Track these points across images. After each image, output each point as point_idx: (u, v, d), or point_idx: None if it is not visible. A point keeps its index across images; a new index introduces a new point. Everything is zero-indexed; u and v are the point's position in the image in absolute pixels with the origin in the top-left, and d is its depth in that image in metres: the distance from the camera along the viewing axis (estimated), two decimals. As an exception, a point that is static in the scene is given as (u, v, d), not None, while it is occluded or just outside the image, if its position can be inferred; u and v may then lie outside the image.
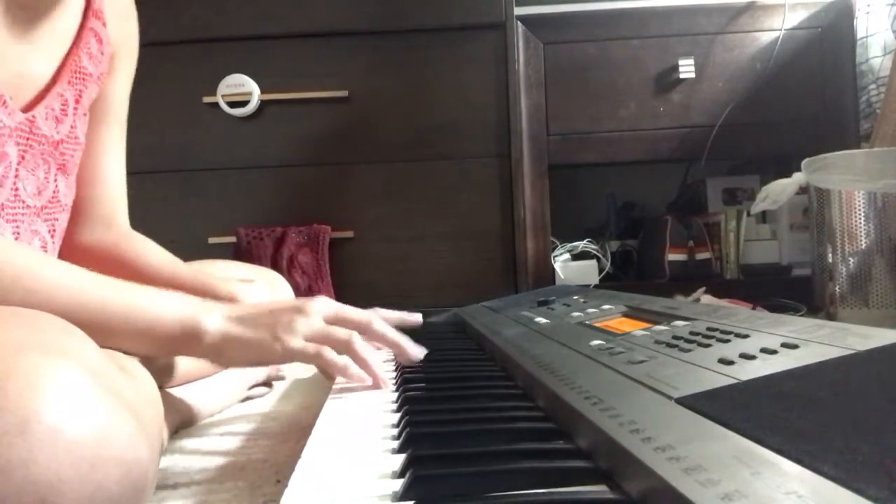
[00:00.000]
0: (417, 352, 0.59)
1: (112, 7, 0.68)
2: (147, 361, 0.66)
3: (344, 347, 0.55)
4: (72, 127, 0.64)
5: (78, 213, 0.73)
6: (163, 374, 0.71)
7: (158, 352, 0.56)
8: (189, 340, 0.53)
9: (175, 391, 0.76)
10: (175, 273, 0.75)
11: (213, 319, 0.54)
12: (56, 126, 0.61)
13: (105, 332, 0.50)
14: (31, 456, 0.32)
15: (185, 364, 0.74)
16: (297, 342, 0.54)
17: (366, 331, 0.58)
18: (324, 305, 0.58)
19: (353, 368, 0.55)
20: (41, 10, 0.58)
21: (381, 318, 0.61)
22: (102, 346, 0.53)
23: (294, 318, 0.55)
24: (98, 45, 0.66)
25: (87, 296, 0.49)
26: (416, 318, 0.68)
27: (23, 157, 0.58)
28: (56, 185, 0.64)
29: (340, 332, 0.56)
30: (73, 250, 0.73)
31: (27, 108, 0.58)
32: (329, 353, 0.54)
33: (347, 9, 1.37)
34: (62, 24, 0.62)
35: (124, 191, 0.78)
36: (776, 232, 1.56)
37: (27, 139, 0.58)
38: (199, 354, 0.54)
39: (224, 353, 0.54)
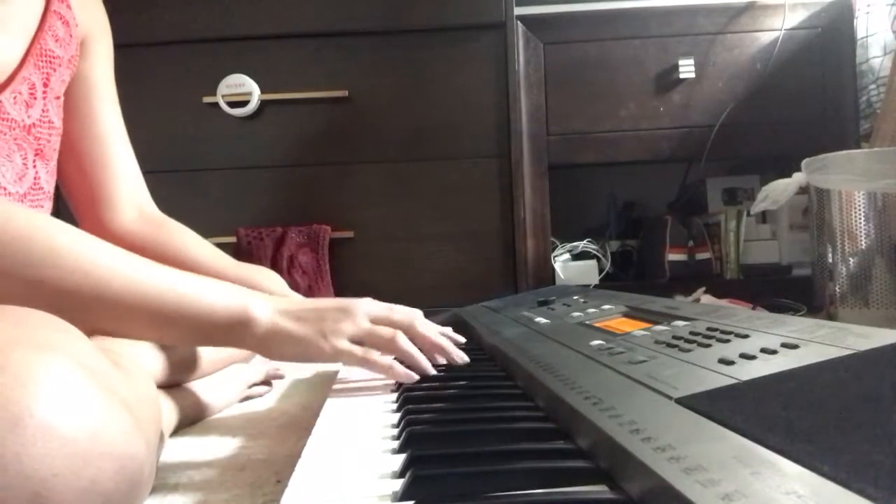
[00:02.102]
0: (462, 355, 0.59)
1: None
2: (168, 355, 0.66)
3: (388, 345, 0.56)
4: (43, 111, 0.64)
5: (98, 198, 0.73)
6: (183, 369, 0.71)
7: (207, 342, 0.56)
8: (239, 331, 0.53)
9: (175, 390, 0.75)
10: (221, 271, 0.74)
11: (264, 311, 0.54)
12: (26, 110, 0.61)
13: (157, 320, 0.50)
14: (24, 451, 0.31)
15: (205, 359, 0.74)
16: (344, 343, 0.55)
17: (409, 331, 0.59)
18: (369, 306, 0.58)
19: (399, 368, 0.55)
20: None
21: (425, 320, 0.61)
22: (149, 337, 0.54)
23: (340, 318, 0.56)
24: (65, 28, 0.66)
25: (143, 283, 0.49)
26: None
27: None
28: (36, 172, 0.64)
29: (384, 331, 0.56)
30: (108, 240, 0.74)
31: None
32: (375, 356, 0.55)
33: (347, 9, 1.37)
34: (26, 7, 0.62)
35: (138, 171, 0.79)
36: (776, 232, 1.56)
37: None
38: (248, 346, 0.55)
39: (272, 346, 0.54)
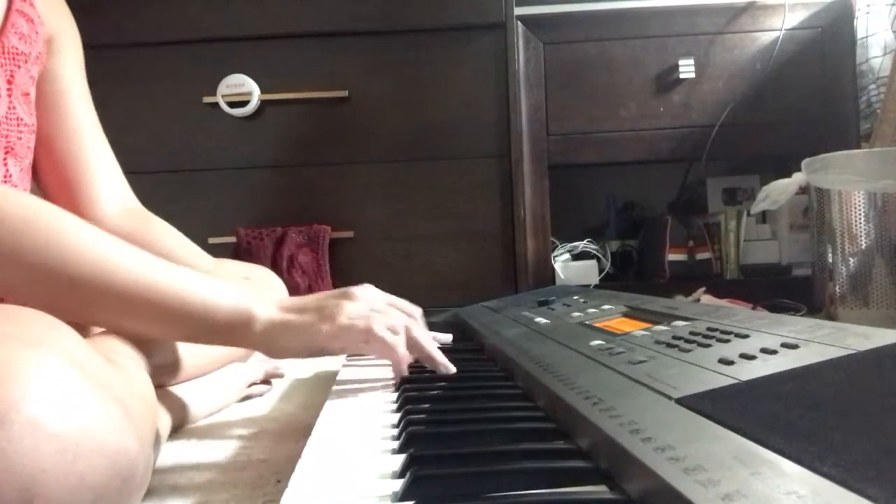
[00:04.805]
0: (449, 367, 0.58)
1: None
2: (150, 358, 0.66)
3: (396, 328, 0.55)
4: (9, 107, 0.63)
5: (76, 193, 0.73)
6: (165, 372, 0.71)
7: (207, 339, 0.55)
8: (241, 328, 0.53)
9: (174, 389, 0.75)
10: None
11: (266, 308, 0.54)
12: None
13: (161, 315, 0.50)
14: (11, 447, 0.31)
15: (188, 361, 0.73)
16: (344, 320, 0.54)
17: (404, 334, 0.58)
18: (371, 294, 0.58)
19: (402, 350, 0.54)
20: None
21: (421, 326, 0.60)
22: (149, 332, 0.53)
23: (339, 302, 0.55)
24: (30, 26, 0.66)
25: (148, 276, 0.49)
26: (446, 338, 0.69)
27: None
28: (7, 170, 0.64)
29: (393, 317, 0.56)
30: None
31: None
32: (380, 329, 0.54)
33: (347, 9, 1.37)
34: None
35: (117, 166, 0.78)
36: (776, 232, 1.56)
37: None
38: (250, 344, 0.54)
39: (275, 342, 0.54)
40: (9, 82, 0.63)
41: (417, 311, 0.61)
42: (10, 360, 0.34)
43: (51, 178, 0.74)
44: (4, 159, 0.63)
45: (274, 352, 0.55)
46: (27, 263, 0.44)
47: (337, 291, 0.58)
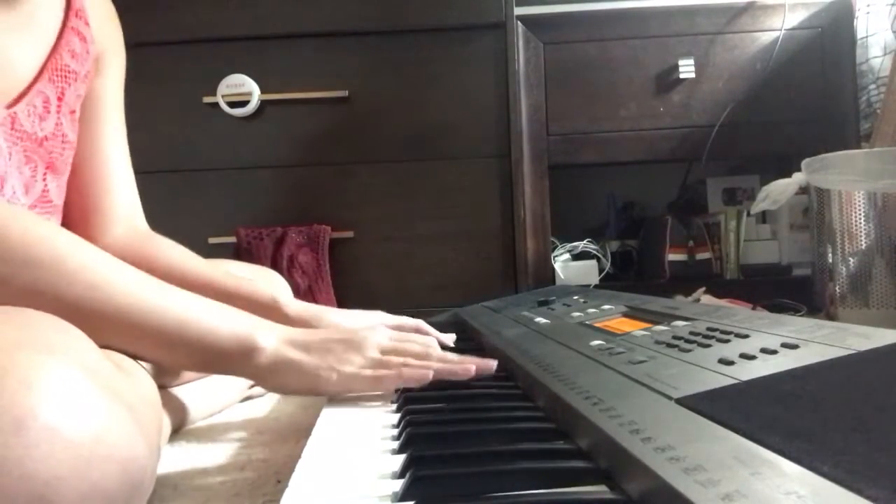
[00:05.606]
0: (469, 369, 0.56)
1: (94, 9, 0.69)
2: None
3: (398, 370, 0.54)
4: (56, 124, 0.64)
5: (91, 214, 0.73)
6: (166, 373, 0.71)
7: (207, 367, 0.54)
8: (241, 358, 0.52)
9: (175, 391, 0.75)
10: (211, 279, 0.73)
11: (269, 340, 0.52)
12: (39, 123, 0.61)
13: (157, 341, 0.49)
14: (28, 453, 0.32)
15: None
16: (351, 369, 0.53)
17: (424, 358, 0.56)
18: (380, 337, 0.57)
19: (409, 370, 0.53)
20: (22, 4, 0.59)
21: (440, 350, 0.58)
22: (148, 357, 0.52)
23: (347, 349, 0.54)
24: (82, 44, 0.67)
25: (146, 298, 0.49)
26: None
27: (10, 154, 0.58)
28: (45, 185, 0.64)
29: (395, 360, 0.54)
30: None
31: (8, 105, 0.58)
32: (385, 374, 0.53)
33: (347, 9, 1.37)
34: (44, 22, 0.62)
35: (136, 192, 0.79)
36: (776, 232, 1.56)
37: (9, 135, 0.58)
38: (249, 374, 0.53)
39: (275, 376, 0.53)
40: (59, 99, 0.64)
41: (433, 341, 0.60)
42: (24, 367, 0.33)
43: (69, 194, 0.74)
44: (45, 175, 0.64)
45: (272, 387, 0.54)
46: (23, 283, 0.43)
47: (344, 334, 0.56)
